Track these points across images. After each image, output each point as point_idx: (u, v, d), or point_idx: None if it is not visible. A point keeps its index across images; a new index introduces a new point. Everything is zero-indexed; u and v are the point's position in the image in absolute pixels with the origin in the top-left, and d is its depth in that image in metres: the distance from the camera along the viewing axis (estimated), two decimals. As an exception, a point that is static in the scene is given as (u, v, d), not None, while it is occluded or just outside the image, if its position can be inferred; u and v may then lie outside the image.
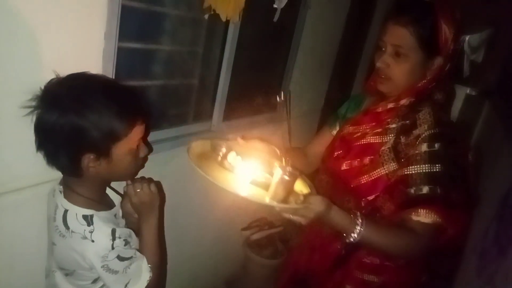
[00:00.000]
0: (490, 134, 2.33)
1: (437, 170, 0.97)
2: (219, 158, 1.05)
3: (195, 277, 2.00)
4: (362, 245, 0.97)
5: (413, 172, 0.99)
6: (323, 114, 2.66)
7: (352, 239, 0.94)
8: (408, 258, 1.09)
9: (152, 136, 1.42)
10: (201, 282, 2.08)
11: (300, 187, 1.02)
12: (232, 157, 1.04)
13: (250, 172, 1.00)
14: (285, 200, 0.91)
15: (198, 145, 1.08)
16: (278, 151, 1.12)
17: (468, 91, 2.77)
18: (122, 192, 1.12)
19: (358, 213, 0.96)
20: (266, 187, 0.95)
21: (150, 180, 1.03)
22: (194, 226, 1.82)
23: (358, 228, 0.93)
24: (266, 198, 0.92)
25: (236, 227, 2.18)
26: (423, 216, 0.95)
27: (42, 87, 0.86)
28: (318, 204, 0.91)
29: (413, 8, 1.05)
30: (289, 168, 0.91)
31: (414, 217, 0.96)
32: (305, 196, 0.94)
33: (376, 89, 1.13)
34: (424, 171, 0.98)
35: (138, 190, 0.98)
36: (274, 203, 0.90)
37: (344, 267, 1.15)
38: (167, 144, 1.48)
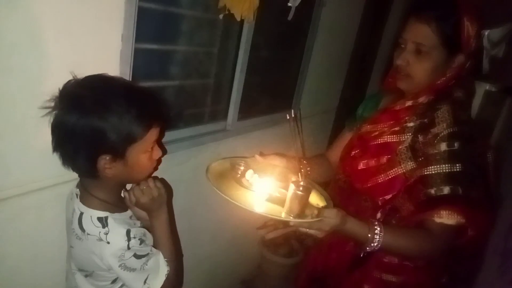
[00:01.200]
0: (510, 132, 2.27)
1: (458, 170, 0.95)
2: (238, 176, 1.07)
3: (212, 277, 2.01)
4: (382, 250, 0.97)
5: (433, 172, 0.97)
6: (338, 113, 2.65)
7: (373, 248, 0.94)
8: (428, 259, 1.08)
9: (168, 136, 1.43)
10: (218, 281, 2.09)
11: (317, 200, 1.02)
12: (249, 174, 1.05)
13: (267, 188, 1.01)
14: (300, 215, 0.92)
15: (217, 165, 1.09)
16: (295, 164, 1.12)
17: (487, 87, 2.70)
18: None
19: (375, 222, 0.95)
20: (282, 202, 0.96)
21: (154, 177, 1.04)
22: (210, 226, 1.82)
23: (377, 237, 0.93)
24: (282, 213, 0.93)
25: (252, 226, 2.18)
26: (445, 218, 0.94)
27: (60, 88, 0.87)
28: (333, 217, 0.90)
29: (436, 4, 1.03)
30: (302, 183, 0.92)
31: (437, 219, 0.95)
32: (320, 210, 0.94)
33: (395, 86, 1.11)
34: (444, 171, 0.96)
35: (145, 187, 0.98)
36: (289, 218, 0.90)
37: (363, 267, 1.14)
38: (183, 143, 1.49)
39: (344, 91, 2.60)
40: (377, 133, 1.12)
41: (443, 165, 0.96)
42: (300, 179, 0.96)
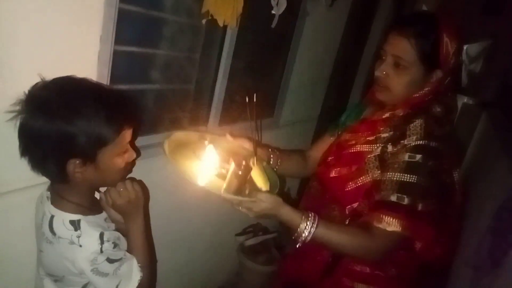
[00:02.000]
0: (486, 146, 2.33)
1: (410, 180, 0.97)
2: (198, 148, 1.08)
3: (189, 284, 1.98)
4: (315, 242, 0.98)
5: (387, 178, 1.00)
6: (320, 121, 2.67)
7: (303, 235, 0.95)
8: (363, 259, 1.09)
9: (146, 140, 1.41)
10: (195, 287, 2.07)
11: (263, 184, 1.03)
12: (208, 149, 1.05)
13: (214, 163, 1.03)
14: (237, 192, 0.94)
15: (182, 134, 1.12)
16: (263, 152, 1.15)
17: (465, 100, 2.78)
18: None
19: (311, 213, 0.97)
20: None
21: (131, 179, 1.02)
22: (189, 232, 1.81)
23: (308, 227, 0.95)
24: (222, 189, 0.95)
25: (231, 233, 2.17)
26: (385, 223, 0.95)
27: (26, 91, 0.84)
28: (265, 200, 0.93)
29: (417, 20, 1.05)
30: (244, 163, 0.94)
31: (376, 223, 0.96)
32: (253, 191, 0.96)
33: (376, 97, 1.13)
34: (397, 179, 0.98)
35: (122, 189, 0.97)
36: (223, 193, 0.92)
37: (333, 275, 1.15)
38: (161, 149, 1.47)
39: (326, 100, 2.63)
40: (353, 142, 1.14)
41: (398, 174, 0.98)
42: (244, 160, 0.98)
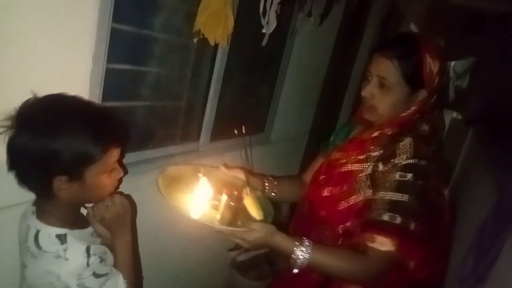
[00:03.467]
0: (473, 160, 2.37)
1: (402, 199, 0.97)
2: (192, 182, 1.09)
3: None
4: (311, 268, 0.98)
5: (378, 197, 1.00)
6: (310, 138, 2.70)
7: (299, 262, 0.94)
8: (359, 282, 1.07)
9: (137, 156, 1.42)
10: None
11: (257, 214, 1.04)
12: (202, 182, 1.06)
13: (206, 195, 1.04)
14: (231, 223, 0.96)
15: (175, 168, 1.13)
16: (257, 181, 1.16)
17: (454, 115, 2.83)
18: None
19: (305, 239, 0.97)
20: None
21: (119, 194, 1.02)
22: (179, 247, 1.80)
23: (303, 253, 0.94)
24: (215, 221, 0.97)
25: (222, 248, 2.17)
26: (378, 243, 0.95)
27: (17, 108, 0.85)
28: (258, 230, 0.93)
29: (399, 42, 1.08)
30: (235, 193, 0.96)
31: (369, 243, 0.96)
32: (246, 221, 0.97)
33: (364, 117, 1.15)
34: (388, 198, 0.98)
35: (110, 204, 0.97)
36: (215, 225, 0.94)
37: None
38: (153, 164, 1.48)
39: (316, 118, 2.66)
40: (344, 161, 1.15)
41: (389, 193, 0.99)
42: (235, 191, 1.00)
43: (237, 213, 0.97)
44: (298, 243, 0.95)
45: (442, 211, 1.06)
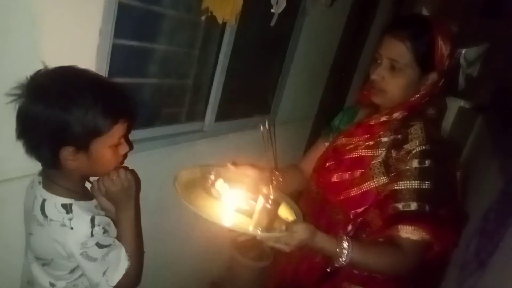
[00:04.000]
0: (480, 148, 2.35)
1: (427, 187, 0.97)
2: (208, 185, 1.06)
3: (180, 277, 2.00)
4: (351, 266, 0.97)
5: (403, 187, 0.99)
6: (315, 122, 2.68)
7: (341, 263, 0.93)
8: (396, 275, 1.07)
9: (143, 134, 1.42)
10: (186, 282, 2.08)
11: (286, 213, 1.02)
12: (219, 184, 1.04)
13: (236, 199, 1.01)
14: (268, 228, 0.92)
15: (186, 173, 1.08)
16: (267, 176, 1.12)
17: (462, 104, 2.79)
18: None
19: (344, 237, 0.95)
20: (251, 214, 0.95)
21: (125, 168, 1.03)
22: (181, 226, 1.81)
23: (345, 252, 0.93)
24: (250, 226, 0.92)
25: (224, 228, 2.19)
26: (410, 233, 0.95)
27: (29, 77, 0.86)
28: (301, 232, 0.91)
29: (411, 23, 1.06)
30: (272, 196, 0.91)
31: (402, 234, 0.95)
32: (289, 224, 0.94)
33: (370, 100, 1.13)
34: (413, 187, 0.97)
35: (115, 177, 0.98)
36: (257, 232, 0.90)
37: (333, 279, 1.15)
38: (158, 142, 1.49)
39: (323, 101, 2.64)
40: (352, 146, 1.14)
41: (413, 181, 0.98)
42: (270, 192, 0.96)
43: (274, 218, 0.93)
44: (340, 243, 0.94)
45: (458, 193, 1.06)
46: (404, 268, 0.99)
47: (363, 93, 1.20)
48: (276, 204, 0.91)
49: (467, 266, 1.26)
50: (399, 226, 0.96)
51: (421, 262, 1.00)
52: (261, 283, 2.25)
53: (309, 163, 1.32)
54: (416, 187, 0.97)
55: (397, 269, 0.99)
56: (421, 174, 0.97)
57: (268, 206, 0.90)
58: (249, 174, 1.13)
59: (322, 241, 0.94)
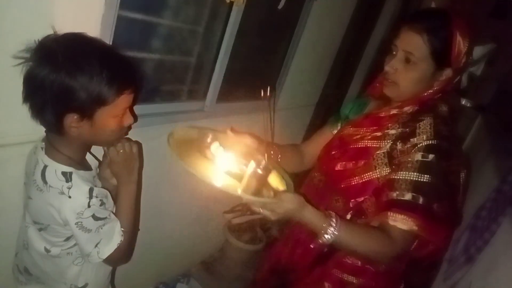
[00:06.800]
0: (477, 147, 2.37)
1: (425, 180, 0.96)
2: (203, 147, 1.05)
3: (172, 254, 2.02)
4: (336, 246, 0.97)
5: (401, 177, 0.98)
6: (317, 109, 2.67)
7: (325, 240, 0.92)
8: (380, 262, 1.07)
9: (143, 110, 1.42)
10: (177, 258, 2.11)
11: (278, 183, 1.01)
12: (214, 147, 1.04)
13: (228, 163, 1.01)
14: (256, 193, 0.91)
15: (182, 131, 1.07)
16: (264, 147, 1.11)
17: (463, 102, 2.79)
18: (100, 159, 1.12)
19: (334, 214, 0.95)
20: (241, 179, 0.94)
21: (130, 140, 1.03)
22: (176, 204, 1.83)
23: (332, 229, 0.92)
24: (238, 189, 0.92)
25: (219, 209, 2.20)
26: (400, 222, 0.94)
27: (37, 41, 0.85)
28: (289, 201, 0.90)
29: (431, 16, 1.04)
30: (264, 162, 0.90)
31: (391, 221, 0.95)
32: (278, 192, 0.94)
33: (381, 92, 1.12)
34: (411, 178, 0.97)
35: (121, 150, 0.99)
36: (244, 195, 0.89)
37: (324, 265, 1.16)
38: (158, 118, 1.48)
39: (326, 88, 2.63)
40: (358, 136, 1.13)
41: (412, 173, 0.97)
42: (263, 158, 0.94)
43: (263, 184, 0.92)
44: (328, 219, 0.93)
45: (458, 193, 1.05)
46: (387, 256, 0.98)
47: (375, 85, 1.18)
48: (267, 170, 0.91)
49: (455, 260, 1.28)
50: (389, 213, 0.96)
51: (406, 253, 1.00)
52: (251, 265, 2.28)
53: (312, 146, 1.31)
54: (414, 178, 0.96)
55: (381, 255, 0.98)
56: (422, 167, 0.97)
57: (259, 171, 0.89)
58: (246, 142, 1.12)
59: (310, 214, 0.93)
